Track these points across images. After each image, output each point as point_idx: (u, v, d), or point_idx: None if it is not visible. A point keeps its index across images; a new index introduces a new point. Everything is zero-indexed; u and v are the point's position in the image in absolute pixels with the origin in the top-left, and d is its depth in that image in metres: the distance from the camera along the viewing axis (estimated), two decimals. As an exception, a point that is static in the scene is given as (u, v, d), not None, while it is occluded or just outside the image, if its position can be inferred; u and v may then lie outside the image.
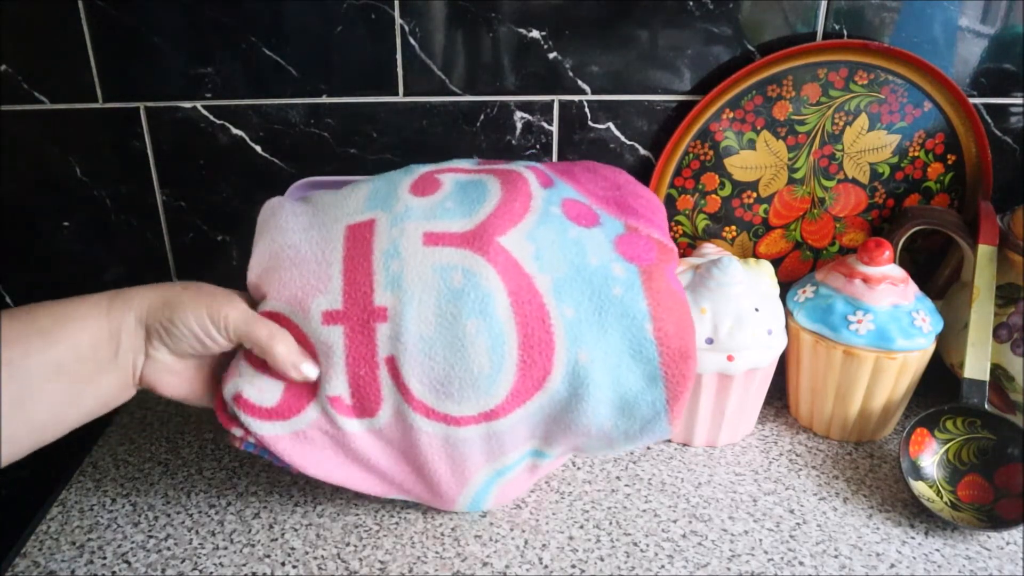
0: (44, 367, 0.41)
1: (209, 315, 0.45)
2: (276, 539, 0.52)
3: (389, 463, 0.49)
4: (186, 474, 0.59)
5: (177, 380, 0.47)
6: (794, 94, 0.62)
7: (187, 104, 0.63)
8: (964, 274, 0.63)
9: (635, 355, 0.47)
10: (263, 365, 0.46)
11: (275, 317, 0.46)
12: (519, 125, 0.64)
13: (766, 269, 0.60)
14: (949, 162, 0.64)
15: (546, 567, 0.49)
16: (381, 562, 0.50)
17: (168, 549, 0.51)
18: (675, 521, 0.53)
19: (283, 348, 0.45)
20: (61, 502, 0.56)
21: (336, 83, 0.63)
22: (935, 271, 0.67)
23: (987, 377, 0.56)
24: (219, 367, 0.49)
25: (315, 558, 0.50)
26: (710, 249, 0.62)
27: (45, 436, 0.43)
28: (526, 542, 0.51)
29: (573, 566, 0.49)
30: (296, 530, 0.52)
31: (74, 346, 0.42)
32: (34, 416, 0.41)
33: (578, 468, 0.58)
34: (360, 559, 0.50)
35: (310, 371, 0.46)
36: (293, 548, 0.51)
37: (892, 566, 0.50)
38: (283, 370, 0.46)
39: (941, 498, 0.54)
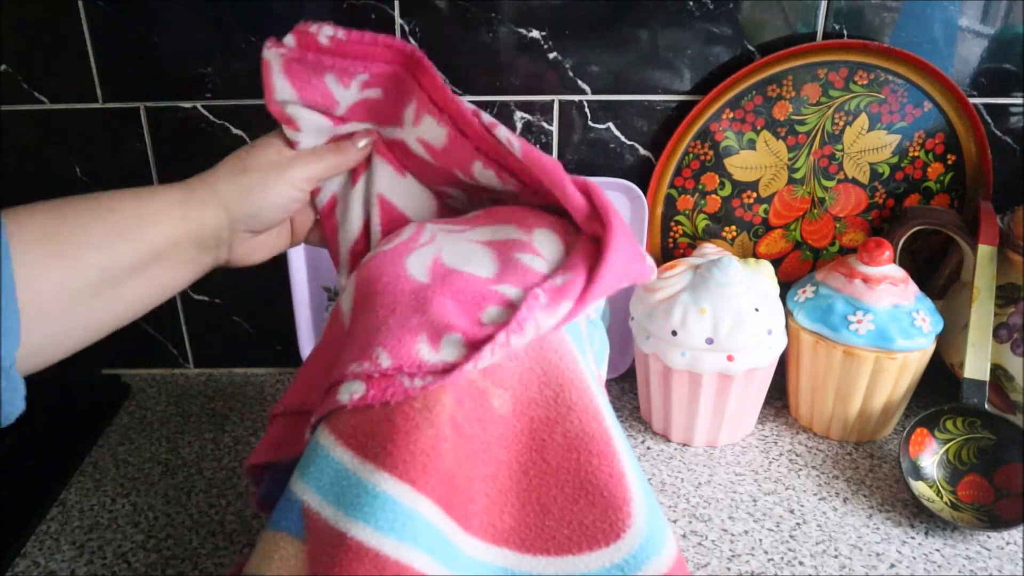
0: (129, 268, 0.41)
1: (292, 185, 0.46)
2: (276, 539, 0.52)
3: None
4: (186, 474, 0.59)
5: (267, 246, 0.49)
6: (794, 94, 0.62)
7: (187, 104, 0.63)
8: (964, 274, 0.63)
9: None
10: None
11: None
12: (519, 125, 0.64)
13: (766, 269, 0.60)
14: (949, 162, 0.64)
15: (546, 567, 0.49)
16: (381, 562, 0.50)
17: (168, 549, 0.51)
18: (675, 521, 0.53)
19: (352, 154, 0.49)
20: (61, 502, 0.56)
21: (336, 83, 0.63)
22: (935, 271, 0.67)
23: (987, 377, 0.56)
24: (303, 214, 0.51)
25: (315, 558, 0.50)
26: (710, 249, 0.62)
27: (126, 319, 0.43)
28: (526, 542, 0.51)
29: (573, 566, 0.49)
30: (296, 530, 0.52)
31: (152, 246, 0.42)
32: (118, 305, 0.42)
33: (578, 468, 0.58)
34: (360, 559, 0.50)
35: (363, 142, 0.49)
36: (293, 548, 0.51)
37: (892, 566, 0.50)
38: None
39: (941, 498, 0.54)
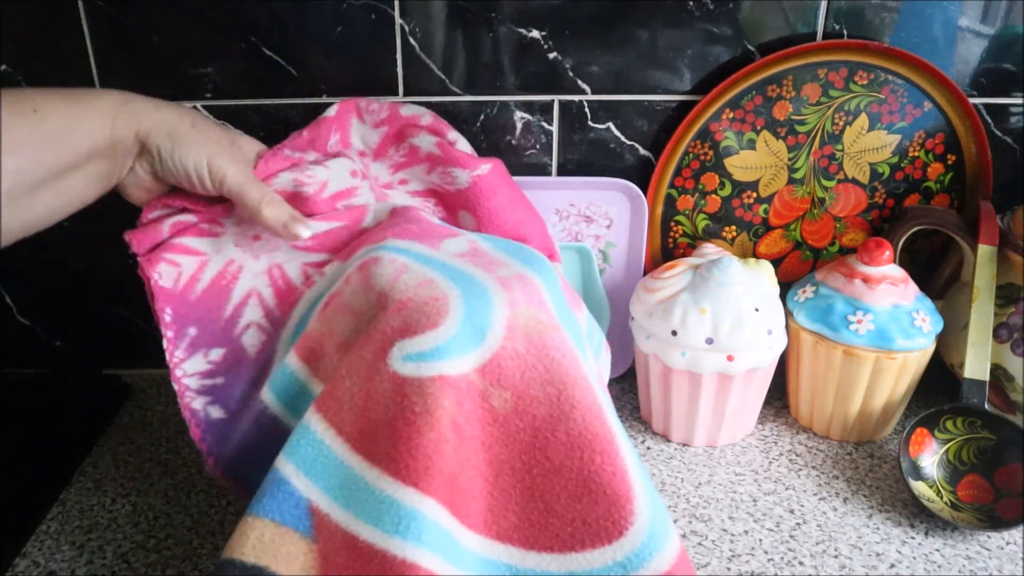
0: (48, 174, 0.41)
1: (209, 163, 0.45)
2: (276, 539, 0.52)
3: None
4: (186, 474, 0.59)
5: (145, 195, 0.49)
6: (794, 94, 0.62)
7: (187, 104, 0.63)
8: (964, 274, 0.63)
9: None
10: None
11: None
12: (519, 125, 0.64)
13: (766, 269, 0.60)
14: (949, 162, 0.64)
15: (546, 567, 0.49)
16: (381, 562, 0.50)
17: (168, 549, 0.51)
18: (675, 521, 0.53)
19: (271, 211, 0.46)
20: (61, 502, 0.56)
21: (336, 83, 0.63)
22: (935, 271, 0.67)
23: (987, 377, 0.56)
24: None
25: (315, 558, 0.50)
26: (710, 249, 0.62)
27: (33, 229, 0.43)
28: (526, 542, 0.51)
29: (573, 566, 0.49)
30: (296, 530, 0.52)
31: (75, 155, 0.42)
32: (29, 215, 0.42)
33: (578, 468, 0.58)
34: (360, 559, 0.50)
35: (302, 231, 0.47)
36: (293, 548, 0.51)
37: (892, 566, 0.50)
38: (273, 232, 0.47)
39: (941, 498, 0.54)
